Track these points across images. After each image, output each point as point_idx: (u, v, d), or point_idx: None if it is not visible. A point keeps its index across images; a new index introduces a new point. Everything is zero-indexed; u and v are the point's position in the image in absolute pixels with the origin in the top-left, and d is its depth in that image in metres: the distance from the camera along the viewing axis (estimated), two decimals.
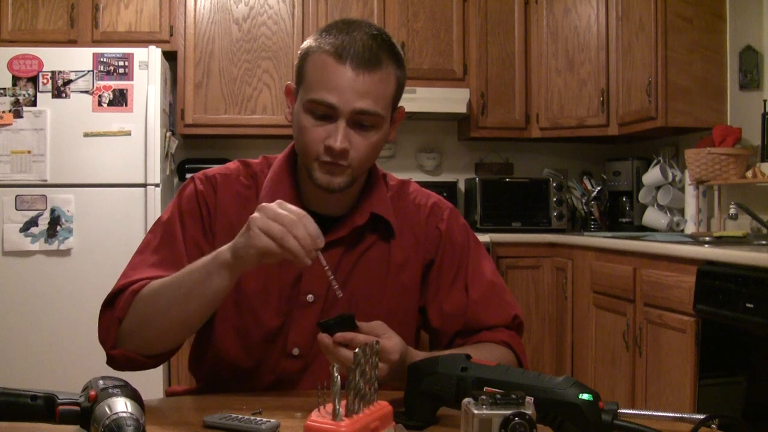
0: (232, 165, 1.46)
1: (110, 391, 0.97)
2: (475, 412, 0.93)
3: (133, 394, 0.98)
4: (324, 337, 1.15)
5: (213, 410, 1.14)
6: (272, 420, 1.08)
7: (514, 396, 0.93)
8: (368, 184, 1.43)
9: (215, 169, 1.45)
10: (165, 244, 1.38)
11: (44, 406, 0.98)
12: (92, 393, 0.97)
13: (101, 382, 0.99)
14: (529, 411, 0.92)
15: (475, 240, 1.52)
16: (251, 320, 1.38)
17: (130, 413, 0.93)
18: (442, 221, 1.47)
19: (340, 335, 1.14)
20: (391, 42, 1.34)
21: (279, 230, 1.11)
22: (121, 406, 0.93)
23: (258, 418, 1.09)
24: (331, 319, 1.16)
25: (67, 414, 0.97)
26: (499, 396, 0.93)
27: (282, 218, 1.12)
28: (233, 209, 1.40)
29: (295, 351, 1.37)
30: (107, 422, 0.91)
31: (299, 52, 1.36)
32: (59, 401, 0.98)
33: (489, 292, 1.46)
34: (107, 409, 0.93)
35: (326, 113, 1.28)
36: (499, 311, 1.46)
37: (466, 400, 0.96)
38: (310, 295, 1.36)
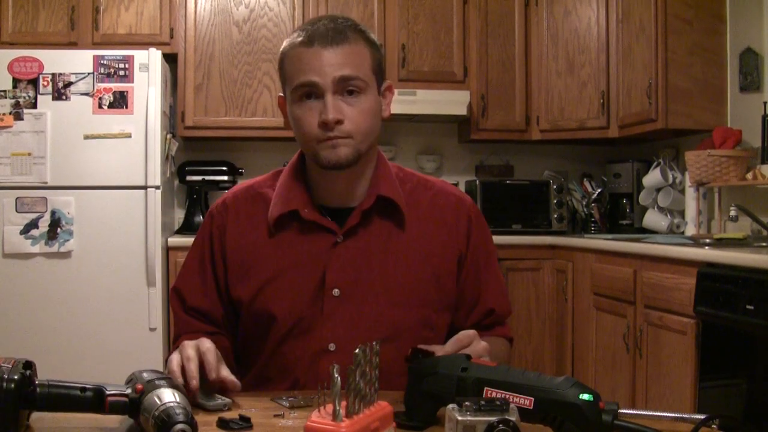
0: (239, 190, 1.54)
1: (156, 383, 1.03)
2: (459, 418, 0.93)
3: (177, 386, 1.05)
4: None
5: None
6: (225, 398, 1.17)
7: (498, 402, 0.94)
8: (376, 172, 1.47)
9: (226, 199, 1.54)
10: (199, 270, 1.50)
11: (94, 398, 1.04)
12: (139, 386, 1.03)
13: (145, 374, 1.06)
14: (513, 417, 0.92)
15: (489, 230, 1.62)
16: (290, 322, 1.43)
17: (178, 402, 0.98)
18: (471, 212, 1.54)
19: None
20: (356, 24, 1.42)
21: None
22: (170, 396, 0.99)
23: (213, 395, 1.19)
24: (419, 355, 1.18)
25: (116, 405, 1.03)
26: (483, 402, 0.93)
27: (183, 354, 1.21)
28: (243, 232, 1.48)
29: (332, 347, 1.40)
30: (157, 413, 0.96)
31: (278, 60, 1.44)
32: (108, 393, 1.03)
33: (503, 286, 1.57)
34: (157, 399, 0.98)
35: (312, 94, 1.36)
36: (507, 302, 1.57)
37: (450, 406, 0.96)
38: (335, 290, 1.40)
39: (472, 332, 1.24)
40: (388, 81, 1.47)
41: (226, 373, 1.22)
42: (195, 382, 1.18)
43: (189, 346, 1.22)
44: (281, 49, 1.42)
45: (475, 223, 1.52)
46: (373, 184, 1.45)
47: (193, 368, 1.19)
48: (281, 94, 1.46)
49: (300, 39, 1.37)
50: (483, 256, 1.52)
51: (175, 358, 1.22)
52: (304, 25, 1.42)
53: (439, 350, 1.20)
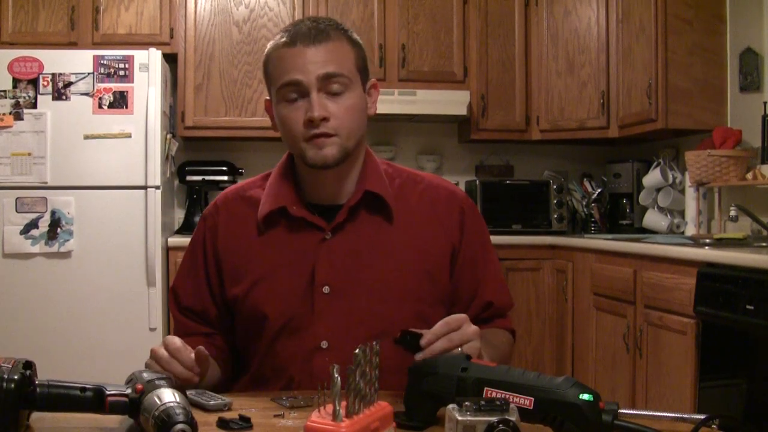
0: (230, 192, 1.56)
1: (156, 383, 1.03)
2: (459, 418, 0.93)
3: (177, 386, 1.05)
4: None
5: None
6: (225, 398, 1.17)
7: (498, 402, 0.94)
8: (363, 168, 1.48)
9: (217, 201, 1.55)
10: (192, 272, 1.52)
11: (94, 398, 1.04)
12: (139, 386, 1.03)
13: (145, 374, 1.06)
14: (513, 417, 0.92)
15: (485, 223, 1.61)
16: (282, 321, 1.43)
17: (178, 402, 0.98)
18: (463, 204, 1.52)
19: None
20: (338, 23, 1.43)
21: (158, 371, 1.20)
22: (170, 396, 0.99)
23: (213, 394, 1.19)
24: (408, 336, 1.21)
25: (116, 405, 1.03)
26: (483, 402, 0.93)
27: (159, 360, 1.24)
28: (234, 233, 1.50)
29: (324, 344, 1.40)
30: (157, 413, 0.96)
31: (262, 64, 1.45)
32: (108, 393, 1.04)
33: (501, 278, 1.56)
34: (157, 400, 0.98)
35: (297, 92, 1.37)
36: (507, 294, 1.56)
37: (450, 406, 0.96)
38: (326, 287, 1.40)
39: (462, 316, 1.23)
40: (373, 79, 1.49)
41: (190, 352, 1.25)
42: (196, 369, 1.23)
43: (155, 351, 1.25)
44: (265, 52, 1.43)
45: (469, 215, 1.51)
46: (360, 180, 1.46)
47: (175, 366, 1.22)
48: (267, 98, 1.47)
49: (283, 40, 1.39)
50: (479, 249, 1.52)
51: (154, 365, 1.24)
52: (287, 27, 1.43)
53: (428, 333, 1.19)
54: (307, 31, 1.38)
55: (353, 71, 1.40)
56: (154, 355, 1.25)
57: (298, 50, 1.36)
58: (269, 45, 1.43)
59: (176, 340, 1.24)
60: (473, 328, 1.23)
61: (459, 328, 1.21)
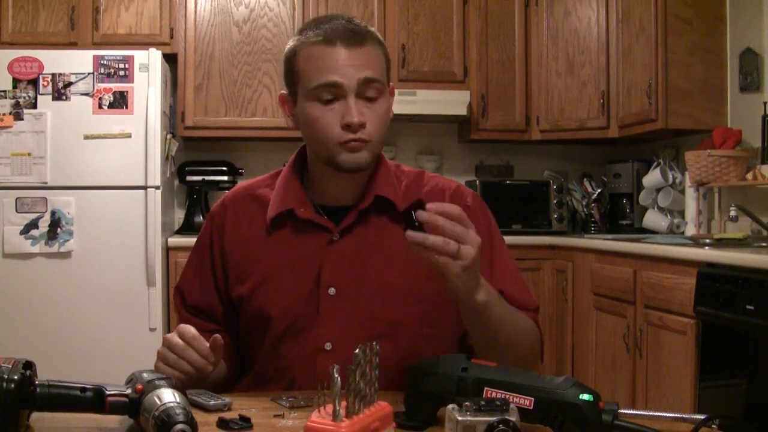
0: (238, 190, 1.54)
1: (156, 383, 1.03)
2: (459, 418, 0.93)
3: (177, 386, 1.05)
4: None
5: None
6: (225, 398, 1.17)
7: (498, 402, 0.94)
8: (375, 170, 1.46)
9: (225, 199, 1.54)
10: (199, 270, 1.51)
11: (94, 398, 1.04)
12: (139, 386, 1.03)
13: (145, 374, 1.06)
14: (513, 417, 0.92)
15: (496, 223, 1.55)
16: (285, 321, 1.42)
17: (178, 402, 0.97)
18: (468, 200, 1.50)
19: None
20: (368, 26, 1.41)
21: (173, 358, 1.23)
22: (170, 396, 0.99)
23: (213, 394, 1.18)
24: (419, 205, 1.14)
25: (116, 405, 1.03)
26: (483, 402, 0.93)
27: (174, 348, 1.24)
28: (241, 232, 1.49)
29: (328, 346, 1.39)
30: (157, 413, 0.96)
31: (284, 56, 1.41)
32: (108, 393, 1.03)
33: (517, 274, 1.49)
34: (157, 400, 0.98)
35: (333, 94, 1.34)
36: (524, 289, 1.48)
37: (450, 406, 0.96)
38: (331, 289, 1.39)
39: (473, 227, 1.17)
40: (391, 84, 1.47)
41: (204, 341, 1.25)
42: (211, 357, 1.24)
43: (169, 339, 1.25)
44: (292, 46, 1.39)
45: (474, 212, 1.48)
46: (371, 183, 1.44)
47: (191, 354, 1.23)
48: (283, 92, 1.44)
49: (318, 38, 1.35)
50: (485, 245, 1.48)
51: (167, 353, 1.24)
52: (316, 23, 1.39)
53: (439, 204, 1.14)
54: (344, 31, 1.34)
55: (385, 77, 1.39)
56: (167, 343, 1.24)
57: (337, 50, 1.33)
58: (296, 40, 1.39)
59: (191, 329, 1.24)
60: (478, 238, 1.17)
61: (467, 227, 1.16)
